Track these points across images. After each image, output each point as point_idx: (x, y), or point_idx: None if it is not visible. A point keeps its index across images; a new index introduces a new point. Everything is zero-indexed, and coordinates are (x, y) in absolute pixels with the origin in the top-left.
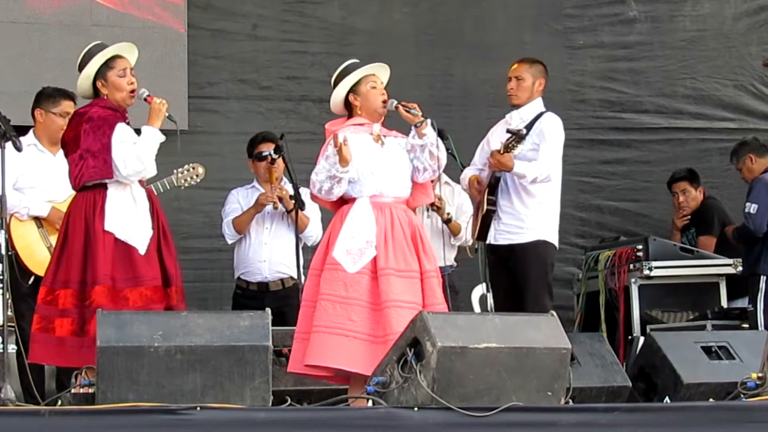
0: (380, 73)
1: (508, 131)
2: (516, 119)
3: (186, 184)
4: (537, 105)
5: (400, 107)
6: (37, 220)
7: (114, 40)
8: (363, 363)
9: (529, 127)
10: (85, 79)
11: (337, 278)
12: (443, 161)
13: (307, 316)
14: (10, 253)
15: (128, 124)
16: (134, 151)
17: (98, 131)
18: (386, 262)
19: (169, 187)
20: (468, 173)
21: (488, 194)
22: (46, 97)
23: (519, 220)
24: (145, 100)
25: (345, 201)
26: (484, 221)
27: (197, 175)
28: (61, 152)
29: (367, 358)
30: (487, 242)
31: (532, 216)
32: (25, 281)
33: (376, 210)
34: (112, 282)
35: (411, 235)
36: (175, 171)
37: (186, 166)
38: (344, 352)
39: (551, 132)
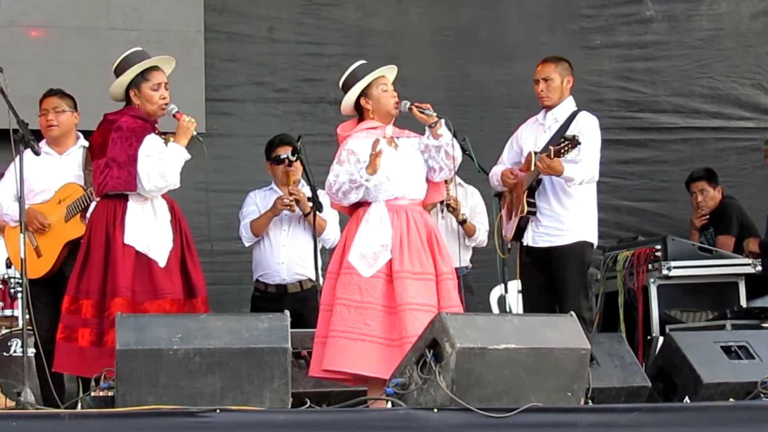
0: (389, 74)
1: (564, 138)
2: (550, 119)
3: None
4: (569, 104)
5: (414, 108)
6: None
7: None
8: (380, 367)
9: (565, 126)
10: (118, 86)
11: (353, 282)
12: (459, 160)
13: (325, 320)
14: (6, 260)
15: (157, 133)
16: (159, 167)
17: (125, 142)
18: (401, 265)
19: None
20: (498, 170)
21: (527, 197)
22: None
23: (559, 222)
24: (174, 116)
25: (360, 204)
26: (520, 222)
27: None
28: (70, 150)
29: (384, 362)
30: (525, 244)
31: (572, 217)
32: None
33: (391, 213)
34: (132, 294)
35: (427, 237)
36: None
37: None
38: (361, 357)
39: (591, 132)
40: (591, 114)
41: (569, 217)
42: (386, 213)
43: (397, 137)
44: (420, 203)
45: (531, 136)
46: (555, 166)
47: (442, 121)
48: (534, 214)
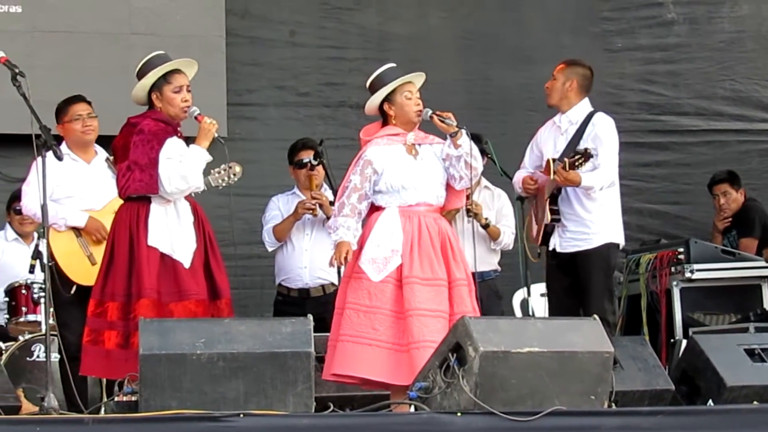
0: (417, 81)
1: (576, 152)
2: (565, 122)
3: (224, 184)
4: (584, 106)
5: (435, 117)
6: (76, 229)
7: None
8: (386, 371)
9: (582, 129)
10: (140, 89)
11: (362, 287)
12: (479, 169)
13: (337, 324)
14: (50, 263)
15: (180, 136)
16: (180, 170)
17: (147, 145)
18: (411, 270)
19: (205, 188)
20: (520, 176)
21: (550, 204)
22: (58, 111)
23: (584, 226)
24: (196, 118)
25: (375, 209)
26: (546, 228)
27: (234, 174)
28: (95, 159)
29: (391, 367)
30: (550, 249)
31: (597, 220)
32: (66, 291)
33: (404, 218)
34: (157, 296)
35: (441, 243)
36: (211, 171)
37: (222, 166)
38: (366, 361)
39: (607, 135)
40: (607, 115)
41: (594, 221)
42: (398, 218)
43: (419, 144)
44: (437, 209)
45: (549, 140)
46: (572, 178)
47: (463, 130)
48: (558, 221)
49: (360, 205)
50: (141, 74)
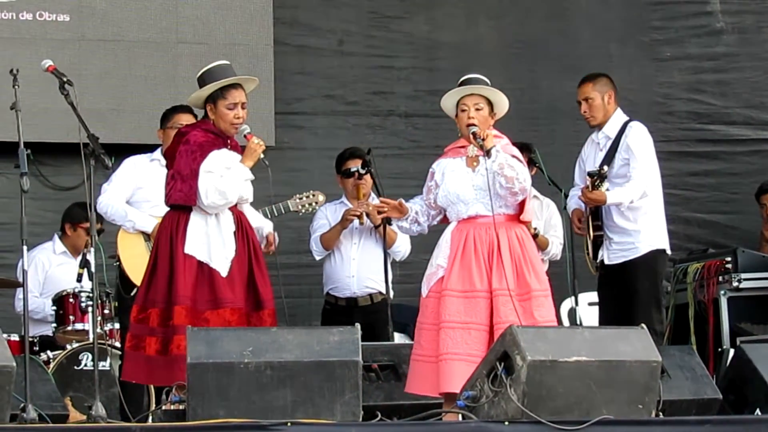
0: (490, 95)
1: (588, 174)
2: (602, 138)
3: (303, 211)
4: (618, 118)
5: (471, 136)
6: (145, 233)
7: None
8: (421, 384)
9: (617, 141)
10: (196, 99)
11: (420, 304)
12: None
13: None
14: (115, 263)
15: (231, 147)
16: (219, 185)
17: (190, 156)
18: (448, 283)
19: (284, 212)
20: (572, 197)
21: (592, 220)
22: (163, 117)
23: (629, 236)
24: (245, 137)
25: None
26: (594, 242)
27: (317, 203)
28: None
29: (425, 378)
30: (599, 260)
31: (641, 229)
32: (126, 293)
33: (456, 233)
34: (192, 303)
35: (488, 252)
36: (294, 196)
37: (306, 193)
38: (413, 376)
39: (638, 145)
40: (640, 124)
41: (639, 230)
42: (450, 234)
43: (482, 155)
44: (504, 218)
45: (591, 156)
46: (596, 198)
47: (493, 150)
48: (601, 235)
49: (426, 204)
50: (201, 82)
